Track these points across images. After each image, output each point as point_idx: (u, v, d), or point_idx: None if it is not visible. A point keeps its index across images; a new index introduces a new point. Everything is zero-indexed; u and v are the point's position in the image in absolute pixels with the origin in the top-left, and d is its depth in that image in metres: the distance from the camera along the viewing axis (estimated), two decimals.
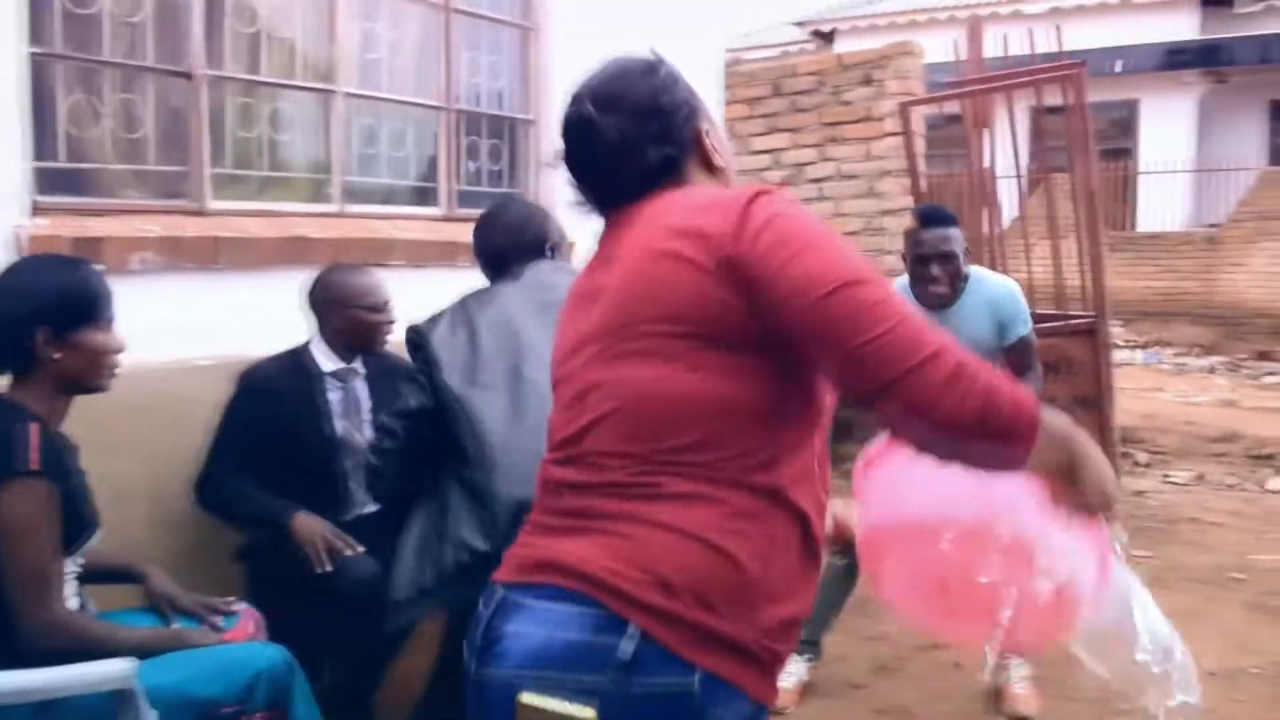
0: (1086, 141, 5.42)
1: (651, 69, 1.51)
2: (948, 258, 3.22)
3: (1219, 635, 3.91)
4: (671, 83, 1.51)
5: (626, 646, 1.25)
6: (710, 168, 1.53)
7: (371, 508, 3.04)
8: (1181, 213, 17.28)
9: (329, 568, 2.66)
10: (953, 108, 6.79)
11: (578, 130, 1.50)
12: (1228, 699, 3.38)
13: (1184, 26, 17.53)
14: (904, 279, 3.36)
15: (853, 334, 1.23)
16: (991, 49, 6.71)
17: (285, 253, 3.39)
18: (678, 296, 1.31)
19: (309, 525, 2.73)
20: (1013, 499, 1.38)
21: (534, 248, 2.45)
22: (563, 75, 4.50)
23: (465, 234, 4.12)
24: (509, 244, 2.48)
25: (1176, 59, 17.02)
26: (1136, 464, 7.24)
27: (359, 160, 3.99)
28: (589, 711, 1.23)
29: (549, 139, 4.43)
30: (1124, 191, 17.55)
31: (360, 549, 2.71)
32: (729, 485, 1.31)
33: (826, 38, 20.10)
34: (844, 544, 1.82)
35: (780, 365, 1.32)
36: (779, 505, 1.34)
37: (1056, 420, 1.29)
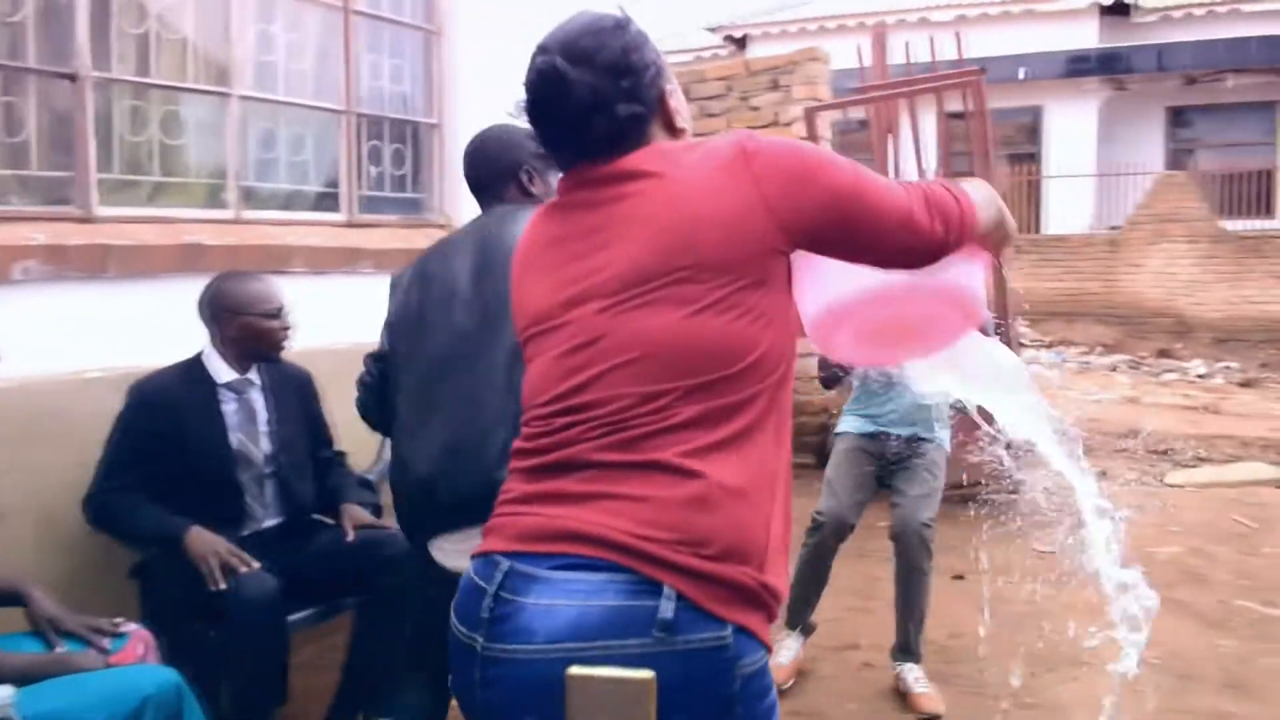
0: (987, 146, 5.53)
1: (621, 26, 1.48)
2: None
3: None
4: (642, 41, 1.49)
5: (667, 607, 1.26)
6: (672, 129, 1.52)
7: (270, 522, 2.97)
8: (1085, 215, 17.77)
9: (223, 585, 2.58)
10: (860, 113, 6.87)
11: (548, 83, 1.45)
12: (1130, 690, 3.44)
13: (1084, 35, 18.03)
14: None
15: (881, 224, 1.40)
16: (898, 56, 6.82)
17: (179, 260, 3.30)
18: (716, 245, 1.34)
19: (204, 541, 2.65)
20: None
21: (508, 174, 2.43)
22: (467, 79, 4.47)
23: (368, 240, 4.09)
24: (486, 172, 2.47)
25: (1078, 66, 17.51)
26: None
27: (256, 165, 3.89)
28: (647, 673, 1.23)
29: (454, 143, 4.38)
30: (1031, 195, 18.00)
31: (256, 565, 2.64)
32: (741, 426, 1.34)
33: (739, 43, 20.26)
34: None
35: (785, 302, 1.41)
36: (778, 440, 1.39)
37: (981, 187, 1.52)
